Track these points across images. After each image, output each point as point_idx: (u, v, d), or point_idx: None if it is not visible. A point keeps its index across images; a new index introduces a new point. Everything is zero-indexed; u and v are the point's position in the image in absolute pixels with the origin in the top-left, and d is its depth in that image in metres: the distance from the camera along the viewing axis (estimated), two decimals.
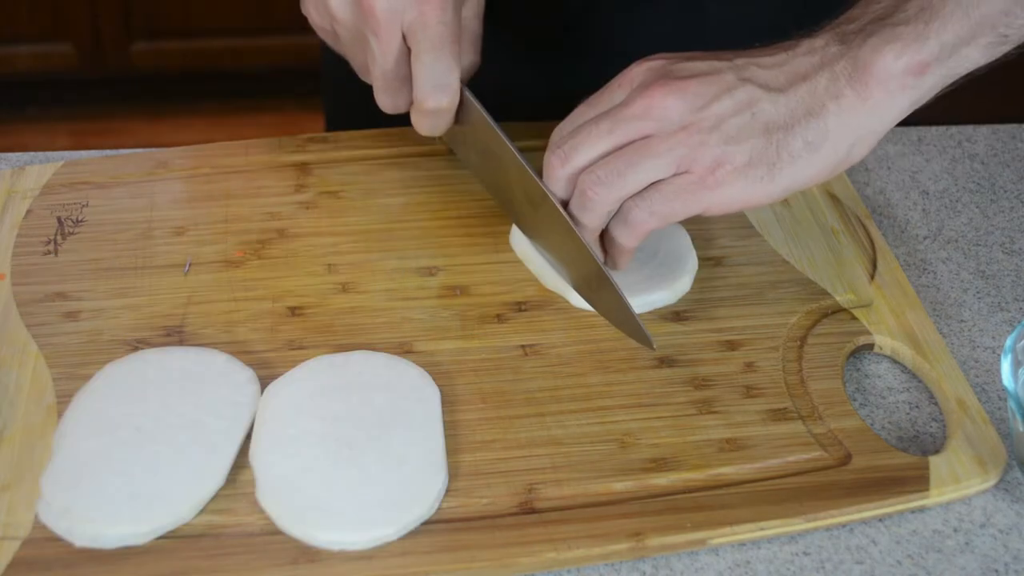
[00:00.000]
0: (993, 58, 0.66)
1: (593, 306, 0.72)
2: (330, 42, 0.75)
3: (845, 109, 0.65)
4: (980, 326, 0.75)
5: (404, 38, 0.70)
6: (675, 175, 0.66)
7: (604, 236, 0.70)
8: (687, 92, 0.66)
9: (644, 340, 0.69)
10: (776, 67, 0.67)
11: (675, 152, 0.66)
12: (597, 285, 0.71)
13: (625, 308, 0.69)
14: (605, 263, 0.71)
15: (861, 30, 0.66)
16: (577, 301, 0.73)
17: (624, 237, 0.69)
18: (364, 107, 0.84)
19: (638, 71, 0.69)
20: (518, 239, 0.77)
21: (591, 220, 0.68)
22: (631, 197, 0.67)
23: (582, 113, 0.70)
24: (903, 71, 0.65)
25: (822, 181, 0.67)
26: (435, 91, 0.71)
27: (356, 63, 0.74)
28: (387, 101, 0.74)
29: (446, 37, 0.69)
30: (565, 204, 0.70)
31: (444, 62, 0.70)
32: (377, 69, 0.72)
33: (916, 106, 0.67)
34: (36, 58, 2.32)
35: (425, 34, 0.69)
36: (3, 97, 2.37)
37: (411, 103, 0.73)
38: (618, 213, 0.68)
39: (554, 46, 0.92)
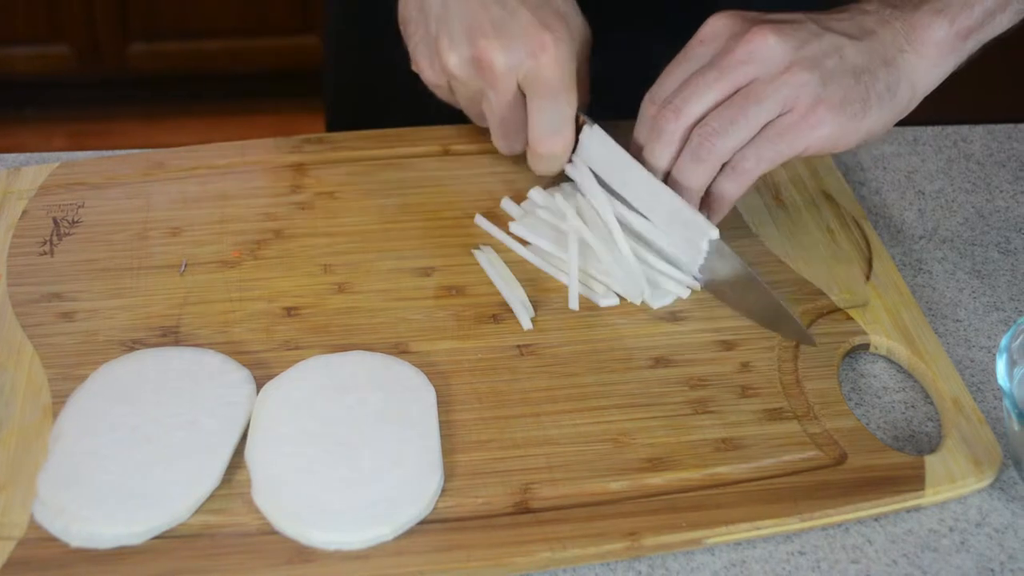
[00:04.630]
0: (1014, 23, 0.72)
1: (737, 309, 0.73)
2: (443, 96, 0.78)
3: (908, 63, 0.71)
4: (975, 326, 0.75)
5: (519, 86, 0.73)
6: (779, 116, 0.70)
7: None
8: (786, 34, 0.70)
9: (804, 336, 0.71)
10: (846, 20, 0.71)
11: (781, 93, 0.69)
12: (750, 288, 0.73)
13: (781, 308, 0.71)
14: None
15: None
16: (574, 302, 0.73)
17: (732, 188, 0.71)
18: (366, 108, 0.84)
19: (719, 25, 0.72)
20: (519, 228, 0.77)
21: (705, 172, 0.71)
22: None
23: (673, 75, 0.72)
24: (954, 36, 0.71)
25: (886, 130, 0.72)
26: (549, 137, 0.74)
27: (471, 113, 0.78)
28: (504, 144, 0.78)
29: (560, 84, 0.73)
30: (666, 177, 0.72)
31: (558, 108, 0.74)
32: (495, 118, 0.75)
33: (956, 67, 0.73)
34: (33, 59, 2.32)
35: (540, 83, 0.73)
36: (0, 98, 2.37)
37: (527, 145, 0.76)
38: (725, 165, 0.71)
39: None
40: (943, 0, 0.71)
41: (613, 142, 0.75)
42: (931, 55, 0.71)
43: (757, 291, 0.71)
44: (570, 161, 0.77)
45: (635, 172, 0.73)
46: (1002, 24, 0.72)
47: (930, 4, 0.71)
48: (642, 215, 0.75)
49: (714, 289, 0.74)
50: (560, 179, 0.79)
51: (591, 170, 0.76)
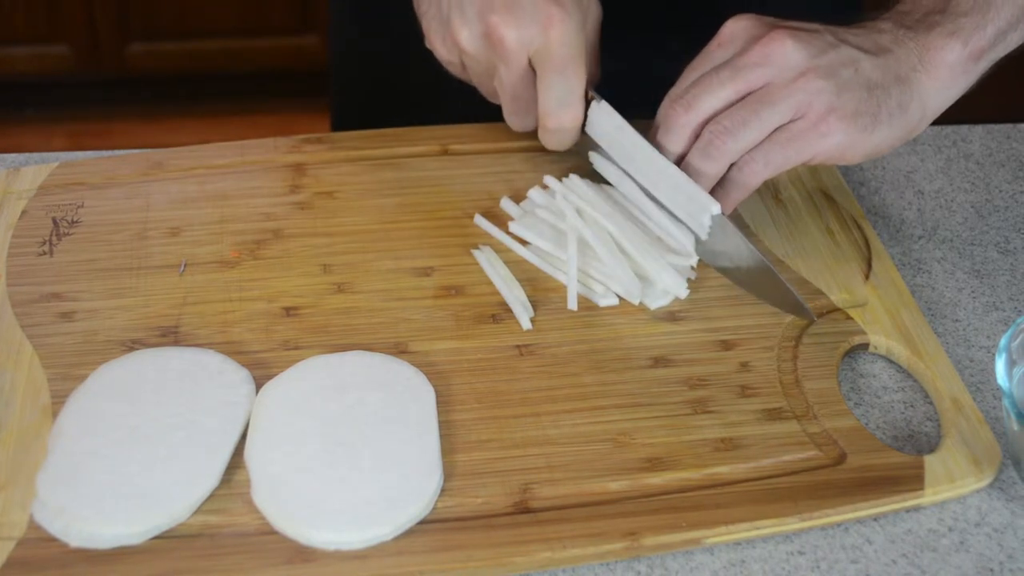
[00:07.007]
0: None
1: (743, 285, 0.75)
2: (455, 72, 0.79)
3: (921, 83, 0.71)
4: (975, 325, 0.75)
5: (530, 62, 0.74)
6: (790, 121, 0.70)
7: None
8: (804, 41, 0.70)
9: (802, 311, 0.71)
10: (862, 36, 0.72)
11: (795, 98, 0.69)
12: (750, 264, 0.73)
13: (782, 285, 0.72)
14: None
15: (922, 20, 0.72)
16: (573, 302, 0.73)
17: (739, 189, 0.72)
18: (371, 108, 0.84)
19: (738, 28, 0.73)
20: (519, 227, 0.77)
21: (713, 168, 0.71)
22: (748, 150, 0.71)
23: (690, 76, 0.73)
24: (966, 57, 0.71)
25: (892, 148, 0.72)
26: (557, 110, 0.75)
27: (484, 89, 0.79)
28: (515, 121, 0.78)
29: (570, 58, 0.73)
30: (679, 160, 0.73)
31: (567, 82, 0.74)
32: (506, 94, 0.76)
33: (968, 87, 0.72)
34: (33, 59, 2.32)
35: (550, 57, 0.73)
36: (0, 98, 2.37)
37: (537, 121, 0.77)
38: (733, 164, 0.71)
39: None
40: (956, 22, 0.72)
41: (620, 118, 0.75)
42: (943, 77, 0.71)
43: (760, 269, 0.72)
44: (583, 133, 0.77)
45: (641, 148, 0.74)
46: (1013, 42, 0.73)
47: (942, 27, 0.72)
48: (646, 191, 0.76)
49: (718, 266, 0.75)
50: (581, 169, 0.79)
51: (599, 144, 0.78)
